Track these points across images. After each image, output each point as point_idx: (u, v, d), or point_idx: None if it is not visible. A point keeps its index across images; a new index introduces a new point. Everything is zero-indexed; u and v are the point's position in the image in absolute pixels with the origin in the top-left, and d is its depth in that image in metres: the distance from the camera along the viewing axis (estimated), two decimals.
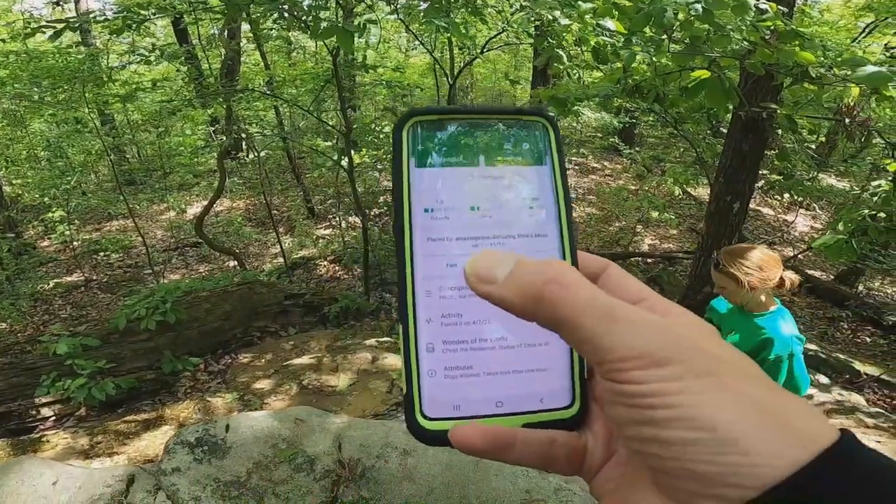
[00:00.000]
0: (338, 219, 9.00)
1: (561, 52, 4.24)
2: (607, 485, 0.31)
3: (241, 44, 9.75)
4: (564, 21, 3.60)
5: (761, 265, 1.91)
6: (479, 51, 6.96)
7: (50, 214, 8.08)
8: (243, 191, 10.65)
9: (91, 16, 4.58)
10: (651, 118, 9.47)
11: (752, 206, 6.99)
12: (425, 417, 0.32)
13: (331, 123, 8.56)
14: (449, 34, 3.95)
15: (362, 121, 8.12)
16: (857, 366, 4.92)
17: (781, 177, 6.81)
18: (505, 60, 14.19)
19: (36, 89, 6.47)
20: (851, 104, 3.82)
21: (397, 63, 11.57)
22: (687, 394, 0.24)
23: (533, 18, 4.34)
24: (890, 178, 4.76)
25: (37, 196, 8.81)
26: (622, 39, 3.43)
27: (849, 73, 2.80)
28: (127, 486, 2.33)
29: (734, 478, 0.23)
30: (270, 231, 8.58)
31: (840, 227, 3.86)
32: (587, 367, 0.34)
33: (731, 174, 4.88)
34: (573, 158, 11.99)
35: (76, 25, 4.03)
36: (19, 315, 6.29)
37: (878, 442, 3.39)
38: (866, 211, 3.86)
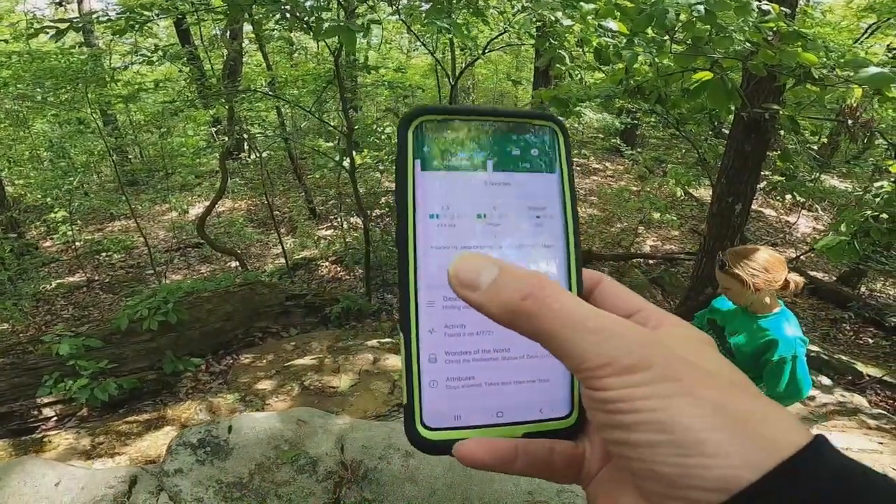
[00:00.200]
0: (339, 219, 9.00)
1: (563, 53, 4.23)
2: (601, 488, 0.32)
3: (244, 44, 9.76)
4: (567, 22, 3.60)
5: (767, 266, 1.90)
6: (480, 52, 6.96)
7: (52, 215, 8.10)
8: (245, 191, 10.66)
9: (94, 16, 4.58)
10: (653, 119, 9.46)
11: (754, 207, 6.98)
12: (426, 427, 0.32)
13: (332, 124, 8.56)
14: (450, 35, 3.96)
15: (364, 121, 8.12)
16: (860, 367, 4.91)
17: (783, 178, 6.80)
18: (506, 61, 14.20)
19: (39, 90, 6.49)
20: (854, 105, 3.81)
21: (399, 64, 11.59)
22: (653, 399, 0.25)
23: (535, 19, 4.34)
24: (892, 179, 4.75)
25: (39, 196, 8.84)
26: (624, 40, 3.43)
27: (851, 74, 2.80)
28: (129, 487, 2.33)
29: (697, 480, 0.24)
30: (272, 232, 8.58)
31: (842, 228, 3.85)
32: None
33: (733, 175, 4.87)
34: (575, 159, 11.98)
35: (79, 26, 4.04)
36: (21, 315, 6.30)
37: (881, 443, 3.37)
38: (869, 212, 3.85)
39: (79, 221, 8.99)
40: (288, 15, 4.45)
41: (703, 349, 0.29)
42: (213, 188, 9.60)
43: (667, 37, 3.13)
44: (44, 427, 3.86)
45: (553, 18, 3.66)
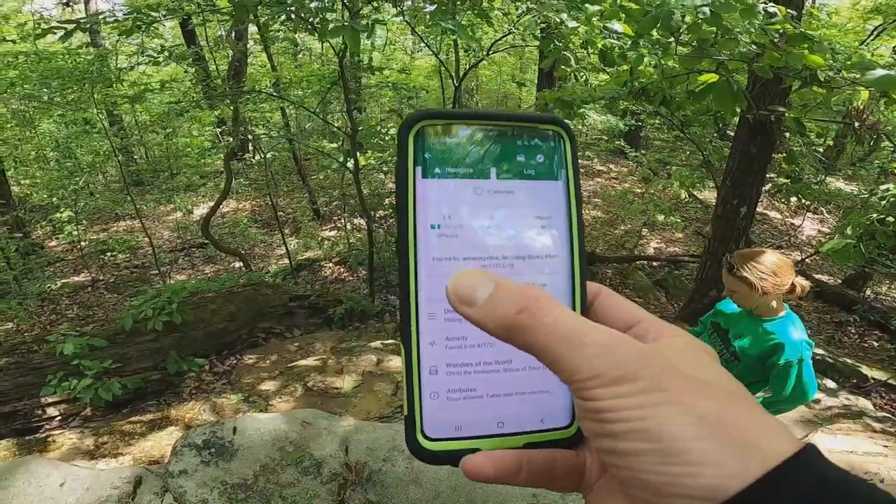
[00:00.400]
0: (343, 220, 9.01)
1: (568, 55, 4.23)
2: (599, 497, 0.33)
3: (248, 45, 9.79)
4: (572, 24, 3.60)
5: (776, 270, 1.89)
6: (485, 53, 6.96)
7: (58, 214, 8.14)
8: (249, 192, 10.69)
9: (101, 17, 4.60)
10: (657, 121, 9.44)
11: (758, 209, 6.96)
12: (426, 438, 0.32)
13: (336, 125, 8.58)
14: (455, 36, 3.96)
15: (368, 123, 8.14)
16: (865, 370, 4.89)
17: (789, 180, 6.77)
18: (510, 63, 14.19)
19: (45, 90, 6.52)
20: (861, 107, 3.80)
21: (403, 65, 11.60)
22: (641, 408, 0.26)
23: (539, 21, 4.33)
24: None
25: (45, 196, 8.88)
26: (629, 42, 3.43)
27: (858, 76, 2.79)
28: (134, 488, 2.33)
29: (682, 489, 0.24)
30: (276, 232, 8.60)
31: (848, 231, 3.84)
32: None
33: (738, 177, 4.86)
34: (578, 161, 11.95)
35: (86, 26, 4.06)
36: (26, 315, 6.33)
37: (885, 446, 3.35)
38: (875, 215, 3.83)
39: (84, 221, 9.03)
40: (293, 16, 4.46)
41: (701, 359, 0.30)
42: (217, 189, 9.63)
43: (672, 39, 3.13)
44: (48, 426, 3.87)
45: (558, 20, 3.66)
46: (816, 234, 9.80)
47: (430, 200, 0.32)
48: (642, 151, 11.50)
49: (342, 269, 7.82)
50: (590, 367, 0.27)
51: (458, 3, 4.23)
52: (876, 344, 6.20)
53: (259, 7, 4.44)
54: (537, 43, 5.52)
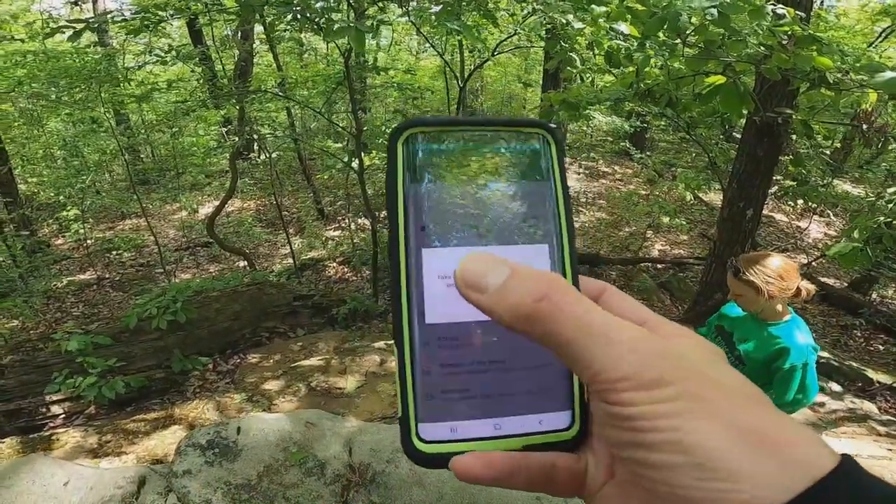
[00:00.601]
0: (347, 220, 9.02)
1: (573, 56, 4.22)
2: (608, 502, 0.31)
3: (254, 45, 9.82)
4: (578, 25, 3.59)
5: (782, 274, 1.88)
6: (490, 54, 6.96)
7: (64, 213, 8.18)
8: (254, 191, 10.72)
9: (109, 16, 4.62)
10: (663, 122, 9.41)
11: (764, 211, 6.92)
12: (421, 440, 0.32)
13: (341, 125, 8.59)
14: (460, 37, 3.96)
15: (373, 123, 8.14)
16: (870, 374, 4.87)
17: (795, 183, 6.73)
18: (515, 63, 14.16)
19: (53, 89, 6.55)
20: (869, 110, 3.77)
21: (408, 66, 11.60)
22: (676, 417, 0.24)
23: (545, 22, 4.32)
24: None
25: (52, 194, 8.93)
26: (635, 43, 3.41)
27: (866, 78, 2.76)
28: (138, 488, 2.34)
29: None
30: (280, 232, 8.62)
31: (855, 234, 3.80)
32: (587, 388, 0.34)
33: (744, 180, 4.83)
34: (583, 162, 11.94)
35: (95, 26, 4.08)
36: (32, 312, 6.37)
37: (890, 450, 3.33)
38: (882, 218, 3.80)
39: (90, 220, 9.08)
40: (299, 16, 4.47)
41: (716, 361, 0.28)
42: (222, 188, 9.66)
43: (678, 40, 3.11)
44: (51, 424, 3.89)
45: (564, 21, 3.65)
46: (822, 237, 9.74)
47: (419, 204, 0.33)
48: (647, 153, 11.46)
49: (346, 269, 7.83)
50: (618, 367, 0.25)
51: (464, 3, 4.22)
52: (881, 347, 6.17)
53: (265, 7, 4.45)
54: (542, 44, 5.51)
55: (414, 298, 0.32)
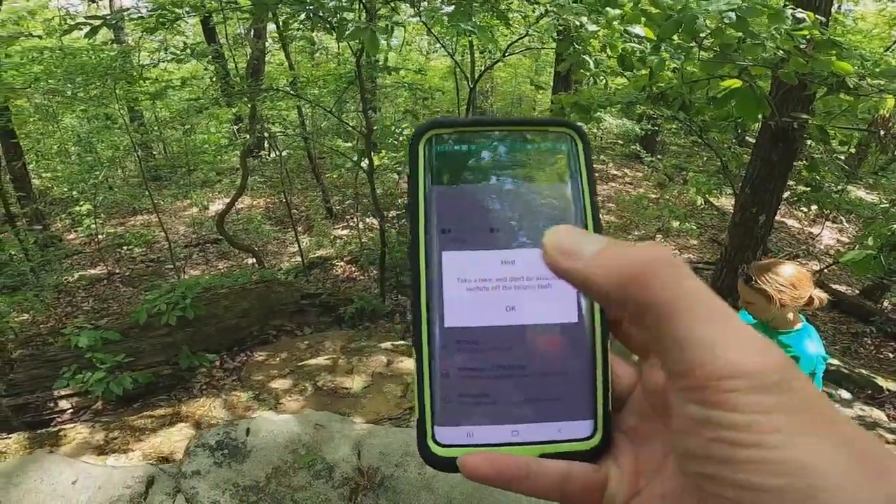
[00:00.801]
0: (356, 219, 9.03)
1: (587, 59, 4.19)
2: None
3: (267, 44, 9.87)
4: (592, 27, 3.56)
5: (794, 282, 1.85)
6: (501, 54, 6.94)
7: (77, 208, 8.27)
8: (264, 189, 10.77)
9: (126, 13, 4.66)
10: (675, 126, 9.33)
11: (776, 217, 6.85)
12: (437, 444, 0.31)
13: (352, 124, 8.60)
14: (471, 37, 3.94)
15: (383, 123, 8.15)
16: (880, 382, 4.83)
17: (809, 188, 6.64)
18: (526, 65, 14.12)
19: (69, 85, 6.62)
20: (886, 115, 3.71)
21: (419, 66, 11.60)
22: (788, 430, 0.20)
23: (558, 23, 4.30)
24: None
25: (65, 190, 9.03)
26: (649, 46, 3.38)
27: (884, 83, 2.72)
28: (146, 488, 2.34)
29: None
30: (289, 230, 8.65)
31: (869, 241, 3.75)
32: (612, 399, 0.32)
33: (758, 185, 4.77)
34: (593, 164, 11.86)
35: (111, 23, 4.11)
36: (43, 306, 6.43)
37: None
38: (895, 225, 3.74)
39: (102, 215, 9.16)
40: (312, 15, 4.47)
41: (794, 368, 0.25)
42: (233, 185, 9.71)
43: (694, 43, 3.07)
44: (59, 419, 3.91)
45: (577, 23, 3.62)
46: (835, 244, 9.62)
47: (442, 206, 0.33)
48: (658, 156, 11.37)
49: (354, 269, 7.84)
50: (729, 362, 0.21)
51: (476, 4, 4.20)
52: (892, 355, 6.11)
53: (279, 6, 4.46)
54: (554, 45, 5.48)
55: (434, 301, 0.32)
